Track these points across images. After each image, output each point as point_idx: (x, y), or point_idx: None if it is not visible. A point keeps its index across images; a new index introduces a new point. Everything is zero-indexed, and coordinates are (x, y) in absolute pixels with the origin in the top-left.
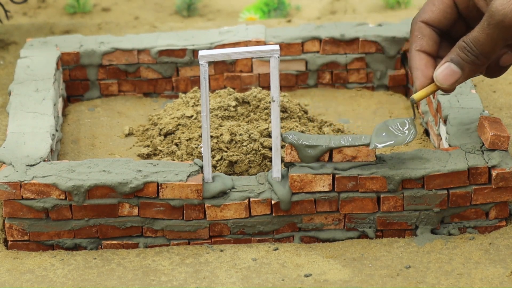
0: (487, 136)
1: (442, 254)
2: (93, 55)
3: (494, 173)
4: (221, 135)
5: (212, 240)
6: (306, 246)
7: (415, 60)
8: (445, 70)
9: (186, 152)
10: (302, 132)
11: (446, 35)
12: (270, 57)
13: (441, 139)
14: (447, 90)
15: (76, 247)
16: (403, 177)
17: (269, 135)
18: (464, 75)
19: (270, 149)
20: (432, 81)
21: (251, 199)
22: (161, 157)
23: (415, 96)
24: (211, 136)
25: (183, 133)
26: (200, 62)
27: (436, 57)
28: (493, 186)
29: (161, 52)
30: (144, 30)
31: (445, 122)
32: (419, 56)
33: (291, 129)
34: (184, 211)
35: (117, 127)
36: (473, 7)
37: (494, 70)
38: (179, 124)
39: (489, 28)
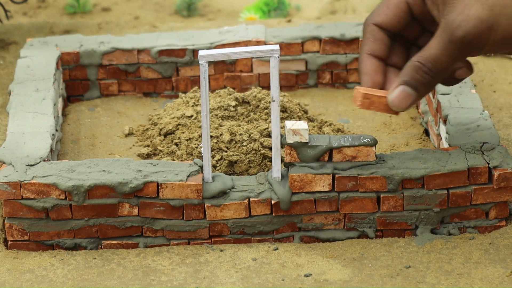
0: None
1: (442, 254)
2: (93, 55)
3: (496, 173)
4: (221, 135)
5: (212, 240)
6: (306, 246)
7: (365, 64)
8: (400, 94)
9: (186, 152)
10: None
11: (398, 37)
12: (270, 57)
13: (441, 139)
14: (398, 111)
15: (76, 247)
16: (403, 177)
17: (269, 135)
18: (419, 96)
19: (270, 149)
20: (379, 87)
21: (251, 199)
22: (161, 157)
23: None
24: (211, 136)
25: (183, 133)
26: (200, 62)
27: (386, 60)
28: (494, 187)
29: (161, 52)
30: (144, 30)
31: (445, 122)
32: (370, 61)
33: None
34: (184, 211)
35: (117, 127)
36: (428, 13)
37: (449, 81)
38: (179, 124)
39: (451, 45)
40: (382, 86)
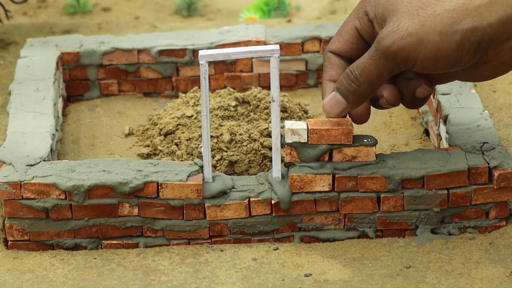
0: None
1: (442, 254)
2: (93, 55)
3: (496, 173)
4: (221, 135)
5: (212, 240)
6: (306, 246)
7: (325, 89)
8: (331, 100)
9: (186, 152)
10: None
11: None
12: (270, 57)
13: (441, 139)
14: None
15: (76, 247)
16: (403, 177)
17: (269, 135)
18: (349, 105)
19: (270, 149)
20: None
21: (251, 199)
22: (161, 157)
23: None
24: (211, 136)
25: (183, 133)
26: (200, 62)
27: None
28: (495, 187)
29: (161, 52)
30: (144, 30)
31: (445, 122)
32: (329, 86)
33: None
34: (184, 211)
35: (117, 127)
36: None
37: (412, 103)
38: (179, 124)
39: (376, 54)
40: None
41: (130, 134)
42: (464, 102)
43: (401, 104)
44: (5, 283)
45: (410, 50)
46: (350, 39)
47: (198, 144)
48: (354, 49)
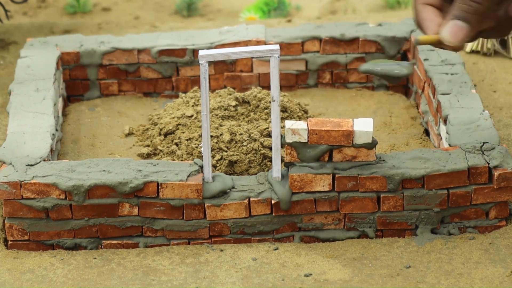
0: None
1: (442, 254)
2: (93, 55)
3: (496, 173)
4: (221, 134)
5: (212, 239)
6: (306, 246)
7: (422, 12)
8: (451, 28)
9: (186, 151)
10: None
11: None
12: (270, 57)
13: (441, 139)
14: (457, 49)
15: (76, 247)
16: (403, 177)
17: (269, 135)
18: (472, 28)
19: (270, 148)
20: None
21: (251, 199)
22: (161, 156)
23: (421, 38)
24: (211, 136)
25: (183, 132)
26: (200, 62)
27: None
28: (495, 187)
29: (161, 52)
30: (144, 30)
31: (445, 122)
32: (426, 8)
33: None
34: (184, 211)
35: (117, 127)
36: None
37: (504, 25)
38: (179, 124)
39: None
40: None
41: (130, 134)
42: (464, 102)
43: (401, 104)
44: (5, 283)
45: None
46: None
47: (198, 144)
48: None
